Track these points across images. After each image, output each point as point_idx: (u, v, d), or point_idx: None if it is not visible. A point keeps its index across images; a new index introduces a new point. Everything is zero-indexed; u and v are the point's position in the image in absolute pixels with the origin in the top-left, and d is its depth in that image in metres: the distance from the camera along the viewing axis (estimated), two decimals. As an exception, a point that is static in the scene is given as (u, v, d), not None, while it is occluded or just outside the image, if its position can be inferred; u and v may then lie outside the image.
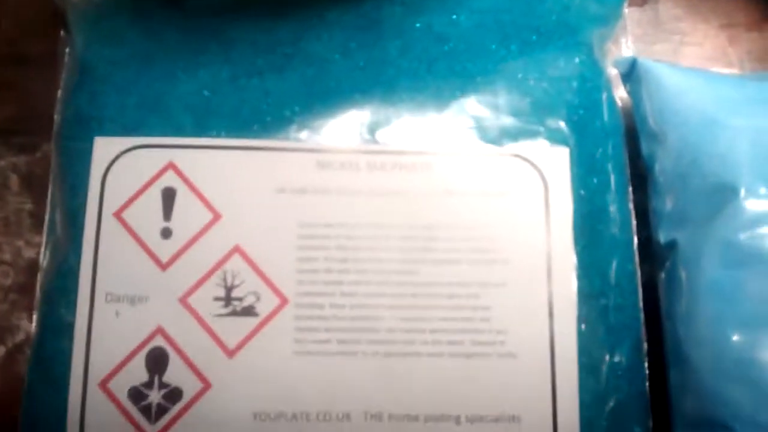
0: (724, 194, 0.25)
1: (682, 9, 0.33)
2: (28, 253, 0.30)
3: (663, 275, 0.26)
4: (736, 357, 0.23)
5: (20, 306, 0.29)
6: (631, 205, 0.28)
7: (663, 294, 0.26)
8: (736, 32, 0.33)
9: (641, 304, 0.27)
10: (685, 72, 0.28)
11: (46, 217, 0.28)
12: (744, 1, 0.33)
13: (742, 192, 0.25)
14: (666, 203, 0.26)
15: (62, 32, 0.31)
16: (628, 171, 0.29)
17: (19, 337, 0.29)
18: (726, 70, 0.32)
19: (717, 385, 0.24)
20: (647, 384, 0.26)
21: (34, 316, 0.27)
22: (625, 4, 0.32)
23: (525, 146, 0.27)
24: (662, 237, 0.26)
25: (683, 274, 0.25)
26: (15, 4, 0.33)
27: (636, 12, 0.33)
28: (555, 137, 0.27)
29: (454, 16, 0.29)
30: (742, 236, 0.25)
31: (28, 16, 0.33)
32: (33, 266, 0.29)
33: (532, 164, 0.27)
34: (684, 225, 0.26)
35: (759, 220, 0.24)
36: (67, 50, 0.30)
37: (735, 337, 0.24)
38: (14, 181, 0.31)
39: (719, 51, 0.33)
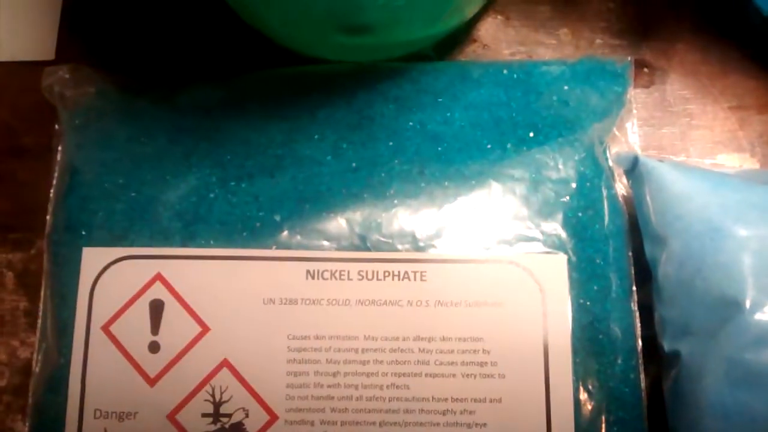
0: (728, 308, 0.25)
1: (690, 90, 0.33)
2: (24, 353, 0.30)
3: (668, 384, 0.26)
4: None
5: (15, 408, 0.30)
6: (634, 308, 0.28)
7: (668, 405, 0.26)
8: (746, 114, 0.33)
9: (645, 414, 0.27)
10: (689, 173, 0.28)
11: (39, 322, 0.29)
12: (754, 82, 0.33)
13: (747, 306, 0.25)
14: (669, 310, 0.26)
15: (57, 126, 0.32)
16: (631, 272, 0.28)
17: (13, 441, 0.29)
18: (736, 155, 0.32)
19: None
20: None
21: (26, 425, 0.28)
22: (630, 87, 0.32)
23: (521, 253, 0.27)
24: (666, 345, 0.26)
25: (687, 388, 0.25)
26: (14, 94, 0.34)
27: (642, 94, 0.33)
28: (553, 243, 0.27)
29: (448, 114, 0.30)
30: (748, 354, 0.24)
31: (25, 107, 0.34)
32: (28, 367, 0.30)
33: (529, 272, 0.27)
34: (688, 336, 0.26)
35: (765, 337, 0.24)
36: (60, 147, 0.31)
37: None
38: (9, 278, 0.32)
39: (729, 134, 0.32)
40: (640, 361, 0.27)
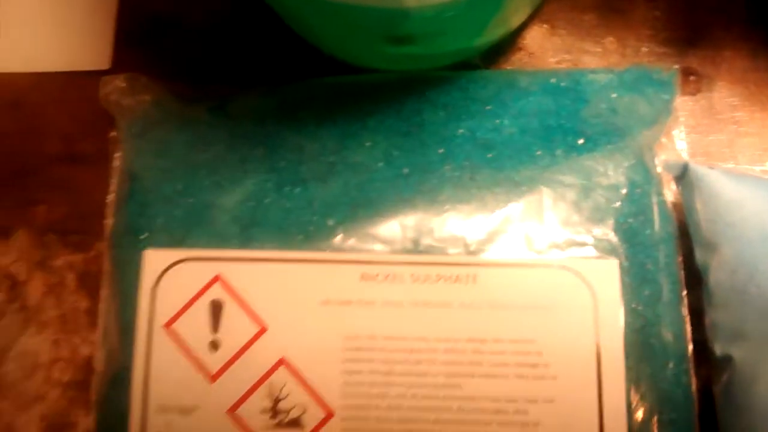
0: (777, 311, 0.26)
1: (738, 97, 0.34)
2: (84, 350, 0.32)
3: (719, 389, 0.27)
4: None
5: (78, 402, 0.32)
6: (685, 312, 0.29)
7: (719, 409, 0.27)
8: (795, 122, 0.34)
9: (696, 417, 0.28)
10: (739, 180, 0.29)
11: (100, 322, 0.31)
12: (804, 89, 0.34)
13: (800, 309, 0.26)
14: (721, 315, 0.27)
15: (112, 133, 0.34)
16: (682, 277, 0.29)
17: (77, 433, 0.31)
18: (786, 162, 0.33)
19: None
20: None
21: (91, 419, 0.30)
22: (677, 95, 0.33)
23: (573, 258, 0.28)
24: (718, 349, 0.27)
25: (739, 393, 0.26)
26: (71, 103, 0.36)
27: (689, 101, 0.34)
28: (604, 248, 0.29)
29: (498, 121, 0.31)
30: (800, 357, 0.25)
31: (82, 115, 0.36)
32: (89, 363, 0.31)
33: (581, 277, 0.28)
34: (740, 341, 0.26)
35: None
36: (117, 154, 0.33)
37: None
38: (71, 279, 0.34)
39: (778, 141, 0.34)
40: (691, 364, 0.28)
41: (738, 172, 0.30)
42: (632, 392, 0.27)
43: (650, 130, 0.31)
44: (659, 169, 0.31)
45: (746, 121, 0.34)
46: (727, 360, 0.27)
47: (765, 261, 0.27)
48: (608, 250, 0.29)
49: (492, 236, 0.29)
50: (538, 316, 0.28)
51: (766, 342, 0.26)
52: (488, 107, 0.31)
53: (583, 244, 0.29)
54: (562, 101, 0.31)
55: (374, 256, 0.29)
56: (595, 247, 0.29)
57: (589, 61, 0.35)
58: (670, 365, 0.28)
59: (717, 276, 0.27)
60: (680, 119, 0.33)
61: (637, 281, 0.28)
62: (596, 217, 0.29)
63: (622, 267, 0.28)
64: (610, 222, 0.29)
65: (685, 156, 0.32)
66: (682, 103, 0.34)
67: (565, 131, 0.31)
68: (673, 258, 0.29)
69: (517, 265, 0.28)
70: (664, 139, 0.33)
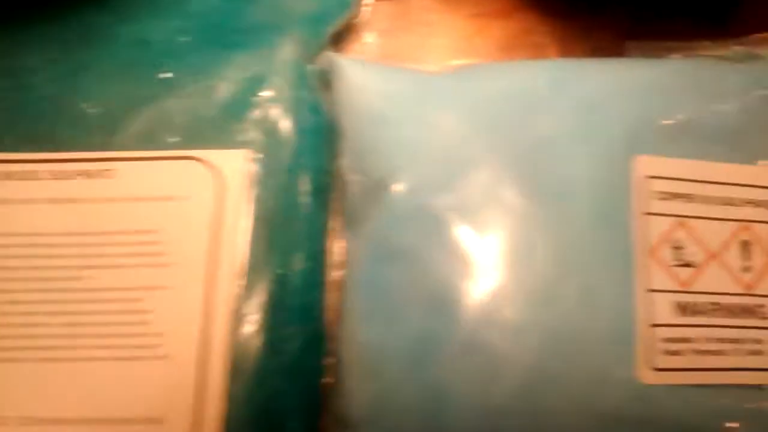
0: (378, 190, 0.26)
1: (434, 2, 0.35)
2: None
3: (344, 271, 0.28)
4: (366, 349, 0.25)
5: None
6: (322, 204, 0.29)
7: (342, 291, 0.28)
8: (485, 22, 0.34)
9: (321, 303, 0.28)
10: (377, 70, 0.29)
11: None
12: (496, -10, 0.35)
13: (393, 187, 0.26)
14: (342, 200, 0.28)
15: None
16: (323, 167, 0.30)
17: None
18: (471, 60, 0.34)
19: (350, 384, 0.25)
20: (311, 382, 0.27)
21: None
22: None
23: (207, 150, 0.29)
24: (343, 234, 0.28)
25: (349, 270, 0.27)
26: None
27: (384, 4, 0.35)
28: (242, 140, 0.29)
29: (164, 22, 0.31)
30: (390, 232, 0.26)
31: None
32: None
33: (211, 167, 0.29)
34: (353, 222, 0.27)
35: (405, 216, 0.26)
36: None
37: (370, 333, 0.25)
38: None
39: (466, 41, 0.34)
40: (321, 252, 0.29)
41: (379, 64, 0.31)
42: (250, 277, 0.28)
43: (323, 30, 0.32)
44: (318, 67, 0.31)
45: (438, 23, 0.34)
46: (347, 242, 0.27)
47: (373, 141, 0.27)
48: (245, 142, 0.29)
49: (133, 131, 0.29)
50: (166, 207, 0.28)
51: (365, 218, 0.27)
52: (159, 11, 0.32)
53: (221, 138, 0.29)
54: (234, 2, 0.32)
55: (14, 156, 0.29)
56: (233, 139, 0.29)
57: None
58: (299, 252, 0.28)
59: (342, 161, 0.28)
60: (371, 22, 0.34)
61: (271, 171, 0.29)
62: (237, 110, 0.29)
63: (256, 158, 0.29)
64: (250, 115, 0.30)
65: (373, 57, 0.33)
66: (377, 6, 0.34)
67: (225, 30, 0.31)
68: (315, 150, 0.30)
69: (152, 158, 0.29)
70: (354, 41, 0.33)
